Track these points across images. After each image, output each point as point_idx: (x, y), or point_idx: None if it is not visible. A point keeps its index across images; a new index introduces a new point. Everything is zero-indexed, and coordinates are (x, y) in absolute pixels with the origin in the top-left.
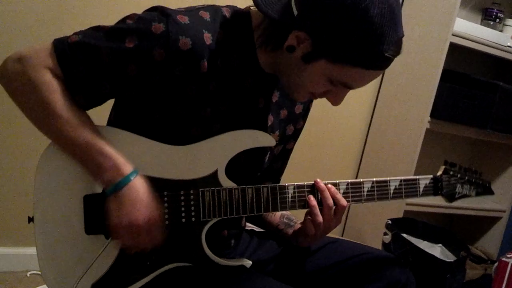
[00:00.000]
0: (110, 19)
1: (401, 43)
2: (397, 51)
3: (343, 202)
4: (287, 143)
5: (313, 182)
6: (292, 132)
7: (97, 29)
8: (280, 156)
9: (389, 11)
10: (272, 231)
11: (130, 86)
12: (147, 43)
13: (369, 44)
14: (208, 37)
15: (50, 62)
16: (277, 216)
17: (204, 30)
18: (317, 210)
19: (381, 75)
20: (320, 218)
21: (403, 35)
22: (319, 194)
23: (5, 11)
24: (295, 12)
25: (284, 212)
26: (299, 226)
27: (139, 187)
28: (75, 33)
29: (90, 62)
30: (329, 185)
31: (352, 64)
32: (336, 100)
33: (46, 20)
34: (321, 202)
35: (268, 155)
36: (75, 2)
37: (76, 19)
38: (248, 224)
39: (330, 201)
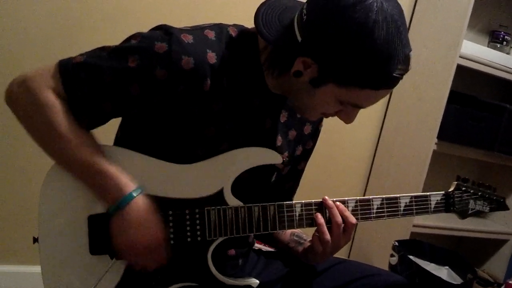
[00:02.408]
0: (119, 38)
1: (409, 59)
2: (406, 68)
3: (352, 219)
4: (297, 163)
5: (320, 200)
6: (301, 152)
7: (101, 49)
8: (291, 177)
9: (395, 30)
10: (282, 249)
11: (133, 105)
12: (149, 62)
13: (376, 66)
14: (212, 57)
15: (53, 82)
16: (287, 234)
17: (208, 50)
18: (324, 228)
19: (388, 97)
20: (327, 236)
21: (411, 50)
22: (327, 211)
23: (14, 29)
24: (299, 38)
25: (294, 230)
26: (309, 244)
27: (141, 206)
28: (80, 54)
29: (93, 82)
30: (338, 203)
31: (361, 86)
32: (348, 119)
33: (55, 39)
34: (329, 220)
35: (275, 175)
36: (84, 21)
37: (86, 38)
38: (256, 244)
39: (339, 219)
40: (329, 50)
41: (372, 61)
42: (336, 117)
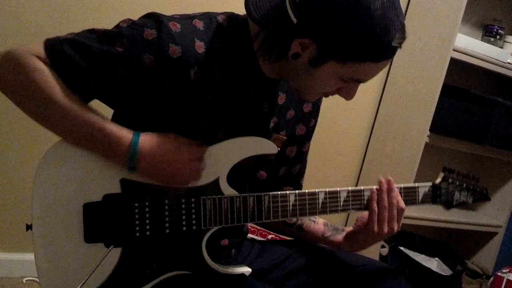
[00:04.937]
0: (109, 25)
1: (404, 28)
2: (403, 37)
3: (402, 204)
4: (302, 144)
5: (314, 190)
6: (305, 131)
7: (90, 32)
8: (296, 160)
9: (389, 0)
10: (314, 240)
11: (116, 90)
12: (137, 48)
13: (376, 39)
14: (200, 46)
15: (39, 53)
16: (320, 224)
17: (196, 39)
18: (384, 195)
19: (382, 89)
20: (386, 203)
21: (404, 18)
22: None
23: (6, 16)
24: (294, 20)
25: (324, 220)
26: (355, 227)
27: (148, 143)
28: (68, 34)
29: (78, 58)
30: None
31: (361, 60)
32: (349, 95)
33: (48, 27)
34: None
35: (277, 158)
36: (77, 9)
37: (77, 24)
38: (249, 234)
39: (403, 203)
40: (327, 27)
41: (371, 33)
42: (328, 108)
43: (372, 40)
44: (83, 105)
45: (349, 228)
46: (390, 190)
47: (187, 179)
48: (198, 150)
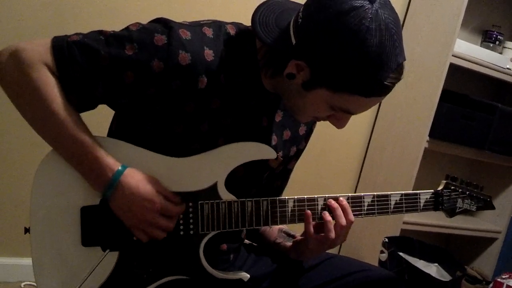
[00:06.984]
0: (114, 27)
1: (402, 69)
2: (397, 77)
3: (351, 217)
4: (288, 163)
5: (313, 196)
6: (295, 153)
7: (99, 33)
8: (280, 175)
9: (389, 39)
10: (269, 246)
11: (124, 94)
12: (147, 53)
13: (368, 74)
14: (209, 54)
15: (47, 58)
16: (274, 230)
17: (205, 47)
18: (331, 226)
19: None
20: (333, 234)
21: (404, 60)
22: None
23: (9, 20)
24: (294, 41)
25: (282, 226)
26: (300, 238)
27: (131, 176)
28: (76, 34)
29: (87, 63)
30: (343, 202)
31: (352, 92)
32: (339, 124)
33: (50, 30)
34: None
35: (267, 173)
36: (79, 12)
37: (79, 25)
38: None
39: (343, 220)
40: (322, 55)
41: (363, 68)
42: None
43: (364, 75)
44: (80, 124)
45: (299, 237)
46: (334, 209)
47: (142, 239)
48: (165, 220)
